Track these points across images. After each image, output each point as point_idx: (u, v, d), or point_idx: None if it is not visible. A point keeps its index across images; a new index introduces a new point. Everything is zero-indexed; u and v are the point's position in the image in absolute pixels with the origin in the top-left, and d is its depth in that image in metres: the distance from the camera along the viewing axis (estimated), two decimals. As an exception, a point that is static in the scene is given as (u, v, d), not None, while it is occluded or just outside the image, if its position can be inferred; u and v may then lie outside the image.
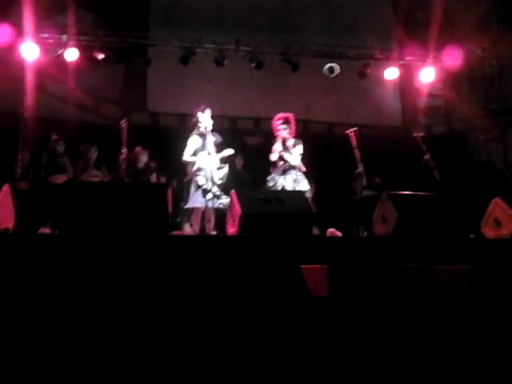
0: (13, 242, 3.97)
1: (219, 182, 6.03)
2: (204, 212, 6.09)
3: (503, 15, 8.72)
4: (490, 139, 6.94)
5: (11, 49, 7.60)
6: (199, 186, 5.95)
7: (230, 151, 6.22)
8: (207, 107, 6.18)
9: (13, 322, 3.42)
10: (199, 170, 6.01)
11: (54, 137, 6.96)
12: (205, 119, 6.11)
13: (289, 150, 6.32)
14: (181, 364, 3.33)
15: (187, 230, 6.77)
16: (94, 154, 7.04)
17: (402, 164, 8.22)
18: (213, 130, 6.18)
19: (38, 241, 4.10)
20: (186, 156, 6.11)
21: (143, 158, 7.04)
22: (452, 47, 8.55)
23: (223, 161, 6.18)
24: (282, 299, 3.75)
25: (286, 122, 6.39)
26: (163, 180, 7.35)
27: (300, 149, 6.35)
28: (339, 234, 5.80)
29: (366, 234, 6.02)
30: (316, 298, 3.67)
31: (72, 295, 3.65)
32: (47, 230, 5.12)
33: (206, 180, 5.95)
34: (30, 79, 7.62)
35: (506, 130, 8.67)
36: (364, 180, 6.50)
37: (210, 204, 5.91)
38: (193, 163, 6.09)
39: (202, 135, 6.13)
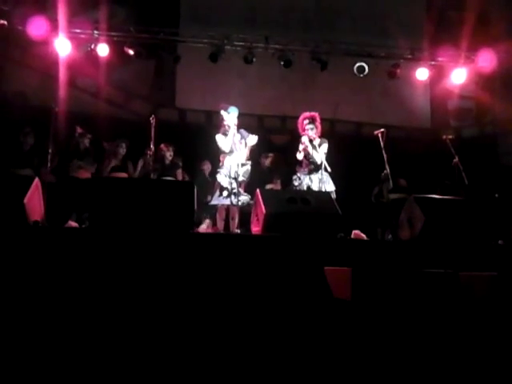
0: (42, 235, 4.05)
1: (241, 179, 6.04)
2: (228, 209, 6.12)
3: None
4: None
5: (45, 43, 7.74)
6: (220, 185, 6.00)
7: (253, 139, 6.18)
8: (231, 105, 6.20)
9: (39, 312, 3.50)
10: (222, 167, 6.08)
11: (79, 130, 7.05)
12: (228, 118, 6.13)
13: (316, 149, 6.29)
14: (204, 360, 3.35)
15: (203, 227, 6.82)
16: (123, 149, 7.11)
17: (430, 166, 8.10)
18: (240, 127, 6.21)
19: (67, 234, 4.19)
20: (225, 148, 6.11)
21: (168, 155, 7.10)
22: (486, 49, 8.36)
23: (249, 156, 6.19)
24: (304, 300, 3.75)
25: (313, 121, 6.36)
26: (187, 177, 7.39)
27: (325, 148, 6.30)
28: (364, 236, 5.75)
29: (390, 237, 5.96)
30: (339, 301, 3.66)
31: (97, 289, 3.71)
32: (74, 224, 5.21)
33: (227, 177, 5.99)
34: (61, 74, 7.75)
35: (538, 135, 8.48)
36: (390, 182, 6.43)
37: (231, 201, 5.94)
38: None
39: (227, 133, 6.16)
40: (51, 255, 3.79)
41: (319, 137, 6.37)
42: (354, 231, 5.67)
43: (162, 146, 7.07)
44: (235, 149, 6.10)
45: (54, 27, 7.64)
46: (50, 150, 5.80)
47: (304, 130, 6.38)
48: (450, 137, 6.70)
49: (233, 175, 6.00)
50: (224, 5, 9.05)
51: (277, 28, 8.77)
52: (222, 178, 6.02)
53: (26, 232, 4.06)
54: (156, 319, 3.66)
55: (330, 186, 6.18)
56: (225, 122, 6.16)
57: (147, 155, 6.55)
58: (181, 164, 7.31)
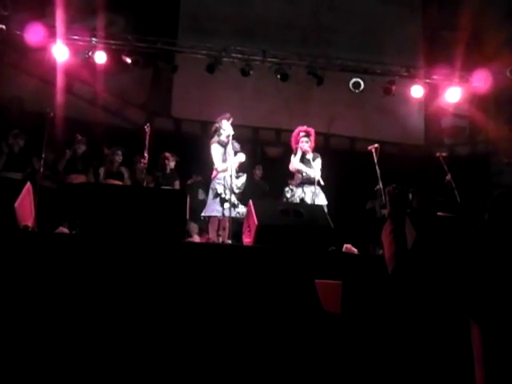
0: (32, 240, 4.02)
1: (237, 191, 6.06)
2: (220, 220, 6.12)
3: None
4: (513, 163, 6.86)
5: (43, 49, 7.76)
6: (217, 195, 5.98)
7: (242, 156, 6.22)
8: (231, 116, 6.23)
9: (27, 317, 3.47)
10: (219, 177, 6.06)
11: (79, 137, 7.06)
12: (228, 127, 6.16)
13: (309, 163, 6.33)
14: (190, 370, 3.33)
15: (195, 237, 6.80)
16: (119, 157, 7.11)
17: (422, 183, 8.14)
18: (233, 139, 6.23)
19: (57, 240, 4.16)
20: (218, 165, 6.14)
21: (171, 164, 7.11)
22: (481, 68, 8.46)
23: (238, 168, 6.21)
24: (293, 313, 3.74)
25: (308, 135, 6.42)
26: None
27: (319, 163, 6.35)
28: (355, 250, 5.75)
29: (381, 252, 5.96)
30: (328, 314, 3.65)
31: (86, 296, 3.68)
32: (65, 230, 5.18)
33: (225, 188, 5.98)
34: (58, 80, 7.76)
35: (530, 155, 8.54)
36: (383, 197, 6.46)
37: (226, 213, 5.93)
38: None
39: (223, 143, 6.18)
40: (41, 261, 3.76)
41: (312, 151, 6.42)
42: (345, 245, 5.67)
43: (168, 154, 7.08)
44: (229, 159, 6.11)
45: (52, 33, 7.66)
46: (43, 155, 5.79)
47: (298, 142, 6.42)
48: (444, 154, 6.75)
49: (229, 186, 6.01)
50: (223, 17, 9.12)
51: (274, 42, 8.84)
52: (221, 188, 6.01)
53: (15, 237, 4.03)
54: (147, 328, 3.64)
55: (322, 200, 6.21)
56: (223, 132, 6.17)
57: (139, 163, 6.55)
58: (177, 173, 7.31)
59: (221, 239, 6.02)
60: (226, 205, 5.91)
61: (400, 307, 3.52)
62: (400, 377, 3.11)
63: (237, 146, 6.26)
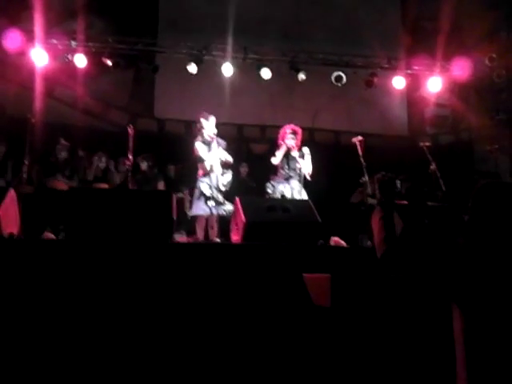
0: (18, 247, 3.99)
1: (223, 189, 6.06)
2: (207, 219, 6.11)
3: (511, 24, 8.70)
4: (496, 150, 6.91)
5: (21, 54, 7.67)
6: (202, 194, 5.97)
7: (228, 157, 6.23)
8: (211, 114, 6.21)
9: (15, 324, 3.44)
10: (204, 176, 6.05)
11: (63, 142, 7.01)
12: (208, 126, 6.14)
13: (294, 160, 6.39)
14: (179, 370, 3.32)
15: (179, 237, 6.78)
16: (102, 164, 7.09)
17: (408, 173, 8.19)
18: (219, 137, 6.22)
19: (43, 246, 4.12)
20: (204, 162, 6.12)
21: (142, 166, 7.13)
22: (460, 57, 8.53)
23: (224, 166, 6.20)
24: (284, 308, 3.75)
25: (295, 133, 6.49)
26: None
27: (309, 158, 6.44)
28: (343, 243, 5.78)
29: (369, 243, 6.00)
30: (318, 308, 3.67)
31: (75, 300, 3.66)
32: (50, 235, 5.14)
33: (210, 187, 5.98)
34: (39, 85, 7.68)
35: (512, 141, 8.64)
36: (369, 189, 6.49)
37: (213, 211, 5.92)
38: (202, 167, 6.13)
39: (207, 142, 6.16)
40: (27, 268, 3.72)
41: (299, 149, 6.47)
42: (333, 238, 5.70)
43: (139, 157, 7.07)
44: (213, 157, 6.11)
45: (31, 38, 7.57)
46: (26, 162, 5.73)
47: (284, 138, 6.47)
48: (427, 144, 6.78)
49: (215, 184, 6.00)
50: (202, 15, 9.08)
51: (255, 38, 8.82)
52: (205, 187, 5.99)
53: (0, 244, 3.99)
54: (136, 330, 3.62)
55: (303, 196, 6.27)
56: (204, 130, 6.16)
57: (124, 165, 6.52)
58: (161, 173, 7.29)
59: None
60: (211, 203, 5.91)
61: (388, 293, 3.55)
62: (388, 368, 3.13)
63: (222, 142, 6.25)
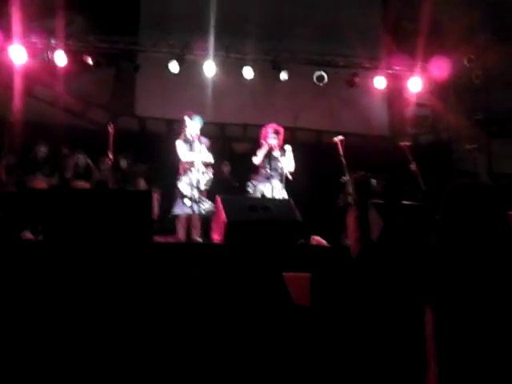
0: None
1: (203, 188, 6.07)
2: (189, 218, 6.11)
3: (490, 26, 8.81)
4: (474, 149, 7.02)
5: (-1, 51, 7.56)
6: (181, 193, 5.99)
7: (208, 158, 6.24)
8: (196, 114, 6.22)
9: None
10: (183, 175, 6.07)
11: (40, 141, 6.93)
12: (191, 125, 6.14)
13: (276, 160, 6.42)
14: (159, 368, 3.32)
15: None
16: (81, 161, 7.04)
17: (388, 173, 8.27)
18: (201, 135, 6.23)
19: (21, 247, 4.08)
20: (183, 157, 6.12)
21: (122, 164, 7.10)
22: (439, 58, 8.63)
23: (205, 165, 6.21)
24: (263, 307, 3.76)
25: (277, 132, 6.51)
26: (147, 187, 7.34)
27: (291, 156, 6.46)
28: (324, 242, 5.82)
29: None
30: (298, 307, 3.69)
31: (53, 301, 3.63)
32: (29, 235, 5.08)
33: (190, 186, 5.99)
34: (17, 83, 7.56)
35: (490, 140, 8.76)
36: (349, 188, 6.54)
37: (194, 210, 5.93)
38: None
39: (188, 140, 6.17)
40: (3, 268, 3.68)
41: (282, 148, 6.50)
42: (314, 237, 5.74)
43: (119, 155, 7.04)
44: (195, 157, 6.11)
45: (8, 36, 7.46)
46: (3, 161, 5.67)
47: (266, 138, 6.49)
48: (407, 143, 6.86)
49: (195, 183, 6.01)
50: (184, 14, 9.03)
51: (237, 37, 8.80)
52: (184, 186, 6.01)
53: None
54: (115, 330, 3.61)
55: (283, 195, 6.31)
56: (186, 129, 6.17)
57: (104, 164, 6.48)
58: (141, 172, 7.26)
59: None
60: (188, 202, 5.92)
61: (363, 291, 3.58)
62: (365, 365, 3.17)
63: (205, 141, 6.26)
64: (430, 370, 1.69)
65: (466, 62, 8.43)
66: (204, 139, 6.25)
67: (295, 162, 6.56)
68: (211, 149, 6.35)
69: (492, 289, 1.63)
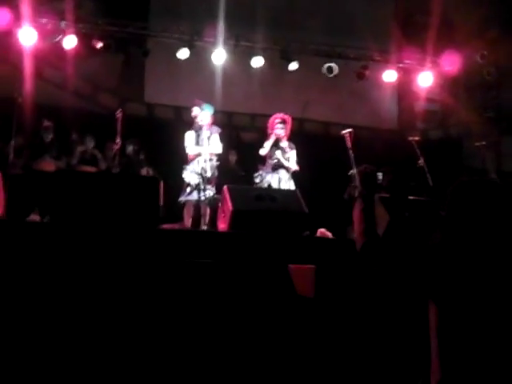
0: (2, 229, 3.95)
1: (208, 175, 6.08)
2: (198, 206, 6.13)
3: (503, 21, 8.72)
4: (484, 147, 6.97)
5: (9, 33, 7.51)
6: (186, 181, 6.03)
7: (217, 149, 6.27)
8: (205, 102, 6.22)
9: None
10: (188, 163, 6.09)
11: (46, 123, 6.92)
12: (201, 115, 6.15)
13: (283, 150, 6.40)
14: (159, 362, 3.33)
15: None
16: (91, 143, 7.04)
17: (396, 167, 8.22)
18: (212, 124, 6.23)
19: (27, 228, 4.09)
20: (190, 150, 6.15)
21: (128, 150, 7.12)
22: (450, 52, 8.55)
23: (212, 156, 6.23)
24: (268, 297, 3.76)
25: (284, 122, 6.48)
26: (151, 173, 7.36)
27: (295, 153, 6.43)
28: (329, 234, 5.81)
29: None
30: (302, 298, 3.69)
31: (58, 284, 3.64)
32: (36, 217, 5.10)
33: (195, 173, 6.01)
34: (27, 65, 7.53)
35: (500, 138, 8.70)
36: (356, 181, 6.51)
37: (199, 197, 5.97)
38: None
39: (196, 129, 6.18)
40: (10, 250, 3.69)
41: (288, 140, 6.48)
42: (319, 230, 5.73)
43: (126, 141, 7.05)
44: (202, 145, 6.12)
45: (18, 17, 7.42)
46: (12, 143, 5.66)
47: (273, 128, 6.46)
48: (416, 138, 6.82)
49: (199, 171, 6.03)
50: (195, 1, 8.97)
51: (247, 26, 8.74)
52: (188, 175, 6.06)
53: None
54: (119, 317, 3.62)
55: (291, 186, 6.30)
56: (197, 119, 6.18)
57: (111, 149, 6.49)
58: (143, 159, 7.26)
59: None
60: (189, 189, 5.96)
61: (367, 284, 3.58)
62: (369, 357, 3.17)
63: (216, 129, 6.27)
64: (433, 364, 1.70)
65: (479, 58, 8.35)
66: (215, 128, 6.25)
67: (303, 154, 6.55)
68: (220, 137, 6.34)
69: (495, 285, 1.63)
